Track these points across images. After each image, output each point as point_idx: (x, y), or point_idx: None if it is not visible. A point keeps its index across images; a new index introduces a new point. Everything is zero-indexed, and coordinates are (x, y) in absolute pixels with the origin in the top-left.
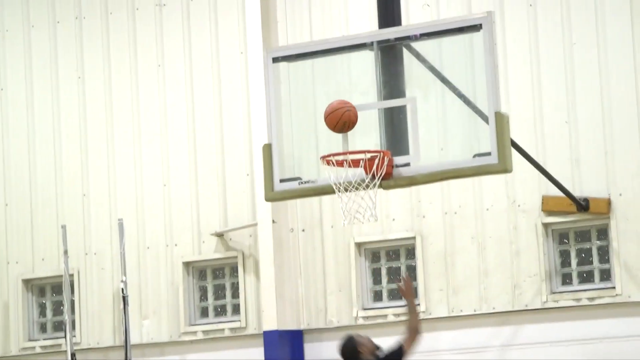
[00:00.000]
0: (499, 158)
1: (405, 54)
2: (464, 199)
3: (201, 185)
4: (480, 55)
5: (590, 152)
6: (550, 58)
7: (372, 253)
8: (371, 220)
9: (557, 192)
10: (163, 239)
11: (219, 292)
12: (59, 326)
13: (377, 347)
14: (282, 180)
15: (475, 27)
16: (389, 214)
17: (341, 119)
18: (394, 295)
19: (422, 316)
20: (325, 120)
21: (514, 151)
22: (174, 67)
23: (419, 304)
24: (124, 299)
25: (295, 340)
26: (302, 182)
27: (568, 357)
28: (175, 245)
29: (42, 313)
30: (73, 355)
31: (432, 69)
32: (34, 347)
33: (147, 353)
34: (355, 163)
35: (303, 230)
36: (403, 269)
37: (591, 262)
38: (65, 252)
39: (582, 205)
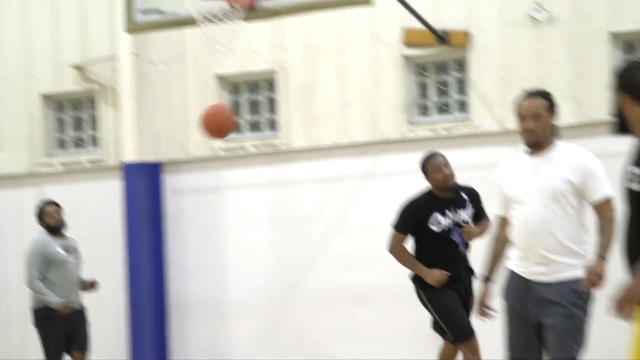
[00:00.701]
0: None
1: None
2: (326, 32)
3: (61, 17)
4: None
5: None
6: None
7: (233, 85)
8: (230, 52)
9: (418, 25)
10: (21, 70)
11: (78, 124)
12: None
13: (458, 187)
14: (142, 12)
15: None
16: (250, 46)
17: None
18: (254, 127)
19: (282, 148)
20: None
21: None
22: None
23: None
24: None
25: (154, 171)
26: (162, 14)
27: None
28: (33, 77)
29: None
30: None
31: None
32: None
33: (3, 184)
34: None
35: (165, 64)
36: (264, 101)
37: (449, 94)
38: None
39: (442, 38)
